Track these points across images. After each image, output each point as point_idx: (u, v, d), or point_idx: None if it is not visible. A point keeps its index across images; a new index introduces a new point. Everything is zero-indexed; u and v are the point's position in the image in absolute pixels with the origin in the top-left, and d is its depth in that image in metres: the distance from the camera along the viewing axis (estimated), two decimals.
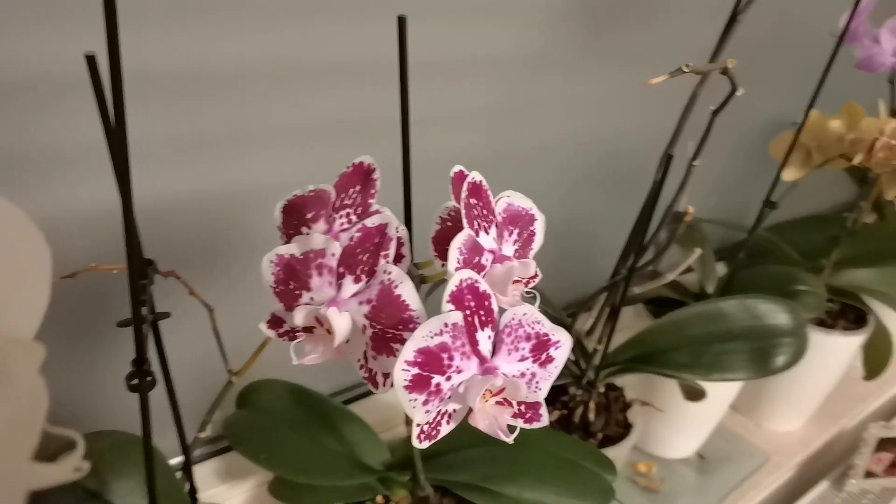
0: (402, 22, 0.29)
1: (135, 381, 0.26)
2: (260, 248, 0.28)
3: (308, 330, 0.24)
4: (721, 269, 0.68)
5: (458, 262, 0.24)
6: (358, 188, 0.28)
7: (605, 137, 0.65)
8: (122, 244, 0.27)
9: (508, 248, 0.27)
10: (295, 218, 0.27)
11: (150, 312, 0.30)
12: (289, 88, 0.42)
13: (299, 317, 0.23)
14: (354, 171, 0.28)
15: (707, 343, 0.53)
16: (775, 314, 0.53)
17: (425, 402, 0.22)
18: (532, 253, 0.28)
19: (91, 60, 0.22)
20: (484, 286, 0.23)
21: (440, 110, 0.51)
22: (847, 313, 0.74)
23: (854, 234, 0.73)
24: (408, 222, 0.32)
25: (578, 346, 0.52)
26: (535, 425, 0.24)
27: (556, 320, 0.51)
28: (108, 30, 0.21)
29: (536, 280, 0.27)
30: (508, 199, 0.27)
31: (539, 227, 0.28)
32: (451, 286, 0.23)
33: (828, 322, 0.72)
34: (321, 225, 0.27)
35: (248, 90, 0.41)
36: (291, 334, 0.25)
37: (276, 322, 0.25)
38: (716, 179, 0.82)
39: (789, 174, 0.56)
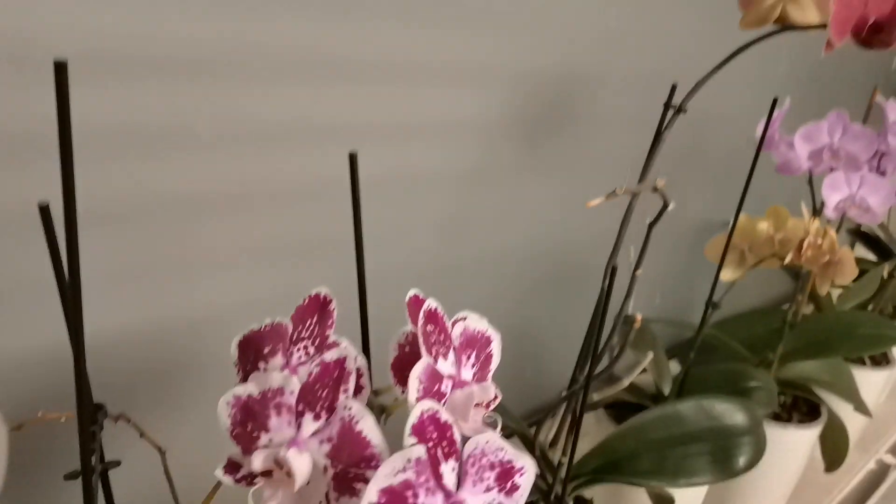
0: (353, 158, 0.30)
1: None
2: (212, 378, 0.27)
3: (267, 474, 0.23)
4: (674, 367, 0.69)
5: (419, 392, 0.24)
6: (315, 319, 0.28)
7: (552, 246, 0.67)
8: (65, 386, 0.26)
9: (467, 373, 0.27)
10: (251, 353, 0.27)
11: (100, 461, 0.28)
12: (241, 212, 0.43)
13: (258, 461, 0.22)
14: (311, 303, 0.28)
15: (669, 447, 0.53)
16: (732, 414, 0.54)
17: None
18: (490, 374, 0.29)
19: (45, 211, 0.23)
20: (445, 416, 0.23)
21: (389, 225, 0.52)
22: (800, 405, 0.75)
23: (794, 327, 0.76)
24: (365, 349, 0.32)
25: (543, 460, 0.51)
26: None
27: (518, 434, 0.51)
28: (64, 179, 0.22)
29: (497, 402, 0.27)
30: (465, 323, 0.28)
31: (496, 347, 0.29)
32: (413, 418, 0.22)
33: (783, 416, 0.73)
34: (278, 359, 0.27)
35: (200, 216, 0.41)
36: (249, 479, 0.24)
37: (232, 467, 0.24)
38: (659, 279, 0.84)
39: (727, 274, 0.58)
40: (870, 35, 0.44)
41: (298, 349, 0.27)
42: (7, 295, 0.35)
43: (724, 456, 0.52)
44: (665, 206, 0.39)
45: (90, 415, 0.29)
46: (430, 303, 0.26)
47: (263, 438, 0.23)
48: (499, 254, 0.64)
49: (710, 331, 0.78)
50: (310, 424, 0.23)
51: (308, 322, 0.27)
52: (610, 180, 0.48)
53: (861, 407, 0.74)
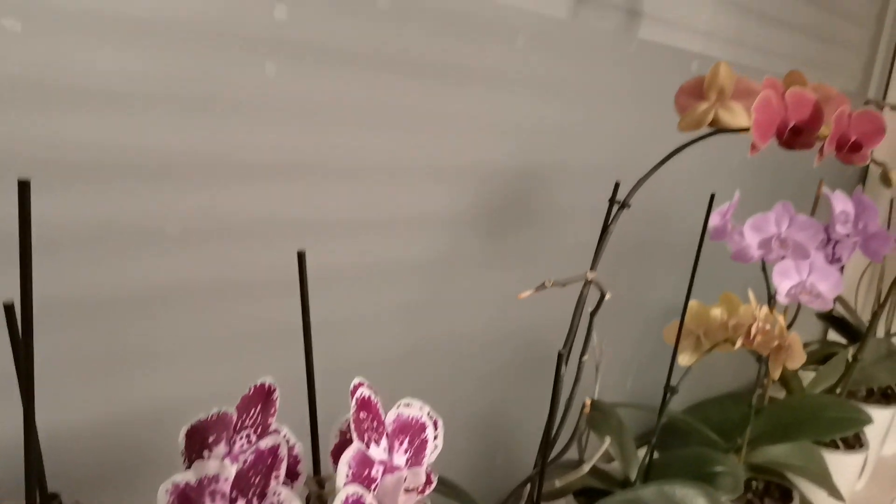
0: (301, 256, 0.33)
1: None
2: (172, 469, 0.29)
3: None
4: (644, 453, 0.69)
5: (347, 477, 0.25)
6: (259, 408, 0.29)
7: (517, 332, 0.69)
8: (17, 476, 0.28)
9: (399, 458, 0.28)
10: (197, 442, 0.29)
11: None
12: (196, 307, 0.45)
13: None
14: (255, 393, 0.30)
15: None
16: (693, 499, 0.55)
17: None
18: (426, 459, 0.30)
19: (9, 310, 0.25)
20: (370, 500, 0.24)
21: (351, 314, 0.54)
22: (772, 491, 0.76)
23: (762, 412, 0.77)
24: (314, 438, 0.33)
25: None
26: None
27: None
28: (23, 283, 0.24)
29: (432, 486, 0.29)
30: (398, 410, 0.29)
31: (431, 433, 0.30)
32: (338, 502, 0.24)
33: (755, 502, 0.73)
34: (222, 448, 0.28)
35: (164, 309, 0.43)
36: None
37: None
38: (629, 364, 0.86)
39: (684, 359, 0.60)
40: (791, 138, 0.48)
41: (241, 437, 0.29)
42: None
43: None
44: (603, 295, 0.41)
45: (43, 501, 0.30)
46: (364, 391, 0.28)
47: None
48: (465, 340, 0.66)
49: (682, 416, 0.79)
50: None
51: (252, 411, 0.29)
52: (568, 269, 0.51)
53: (834, 492, 0.74)
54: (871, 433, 0.96)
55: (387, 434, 0.28)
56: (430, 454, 0.32)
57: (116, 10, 0.37)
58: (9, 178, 0.35)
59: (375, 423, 0.28)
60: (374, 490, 0.27)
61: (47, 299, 0.38)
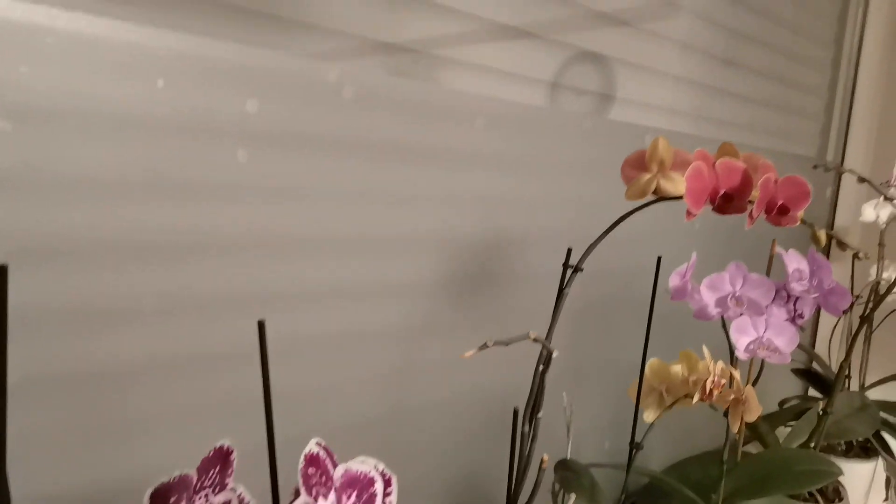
0: (261, 326, 0.36)
1: None
2: None
3: None
4: None
5: None
6: (217, 469, 0.32)
7: (488, 394, 0.72)
8: None
9: None
10: (161, 503, 0.31)
11: None
12: (170, 379, 0.48)
13: None
14: (215, 454, 0.32)
15: None
16: None
17: None
18: None
19: None
20: None
21: (319, 383, 0.57)
22: None
23: (737, 467, 0.78)
24: (275, 497, 0.36)
25: None
26: None
27: None
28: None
29: None
30: (346, 465, 0.32)
31: (380, 488, 0.33)
32: None
33: None
34: None
35: (131, 384, 0.46)
36: None
37: None
38: (606, 425, 0.88)
39: (648, 416, 0.63)
40: (722, 204, 0.52)
41: (200, 497, 0.31)
42: None
43: None
44: (549, 353, 0.44)
45: None
46: (312, 447, 0.30)
47: None
48: (442, 402, 0.68)
49: (660, 475, 0.81)
50: None
51: (211, 472, 0.32)
52: (532, 328, 0.54)
53: None
54: (853, 487, 0.97)
55: (335, 488, 0.31)
56: None
57: (101, 110, 0.42)
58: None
59: (324, 479, 0.30)
60: None
61: (26, 376, 0.41)
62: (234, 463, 0.32)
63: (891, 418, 1.04)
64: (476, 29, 0.69)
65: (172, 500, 0.31)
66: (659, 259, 0.58)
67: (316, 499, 0.29)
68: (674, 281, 0.74)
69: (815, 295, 0.81)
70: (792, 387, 1.22)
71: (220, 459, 0.32)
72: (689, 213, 0.52)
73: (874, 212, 1.08)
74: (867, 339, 1.07)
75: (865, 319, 0.83)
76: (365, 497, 0.32)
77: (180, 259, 0.47)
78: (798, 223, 0.53)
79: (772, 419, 1.03)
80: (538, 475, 0.47)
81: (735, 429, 0.61)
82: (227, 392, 0.51)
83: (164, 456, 0.48)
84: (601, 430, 0.87)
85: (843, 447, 1.02)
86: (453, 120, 0.62)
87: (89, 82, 0.41)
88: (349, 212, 0.56)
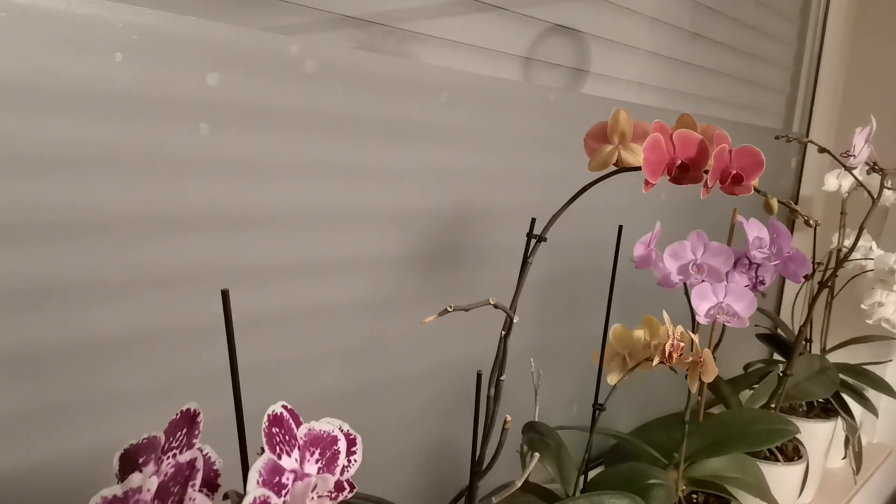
0: (225, 295, 0.37)
1: None
2: None
3: None
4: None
5: (258, 483, 0.29)
6: (184, 431, 0.33)
7: (457, 362, 0.73)
8: None
9: (310, 467, 0.32)
10: (129, 464, 0.32)
11: None
12: (138, 352, 0.48)
13: None
14: (182, 417, 0.33)
15: None
16: None
17: None
18: (338, 469, 0.34)
19: None
20: (276, 501, 0.28)
21: (291, 356, 0.58)
22: (712, 503, 0.79)
23: (698, 427, 0.81)
24: (244, 460, 0.37)
25: None
26: None
27: None
28: None
29: (345, 494, 0.33)
30: (309, 425, 0.33)
31: (343, 446, 0.34)
32: (246, 503, 0.28)
33: None
34: (151, 467, 0.32)
35: (98, 358, 0.47)
36: None
37: None
38: (575, 390, 0.90)
39: (612, 378, 0.65)
40: (679, 174, 0.54)
41: (168, 457, 0.32)
42: None
43: None
44: (510, 318, 0.46)
45: None
46: (275, 408, 0.32)
47: None
48: (411, 374, 0.69)
49: (626, 436, 0.83)
50: None
51: (178, 433, 0.33)
52: (500, 299, 0.56)
53: (770, 500, 0.78)
54: (813, 447, 1.01)
55: (298, 446, 0.32)
56: (351, 467, 0.36)
57: (57, 85, 0.42)
58: None
59: (287, 437, 0.32)
60: (286, 494, 0.30)
61: None
62: (201, 425, 0.33)
63: (850, 380, 1.08)
64: (442, 2, 0.70)
65: (141, 460, 0.32)
66: (620, 228, 0.60)
67: (279, 456, 0.31)
68: (638, 250, 0.76)
69: (776, 262, 0.84)
70: (757, 352, 1.25)
71: (188, 421, 0.33)
72: (647, 184, 0.53)
73: (836, 181, 1.11)
74: (828, 305, 1.10)
75: (823, 285, 0.86)
76: (328, 454, 0.33)
77: (144, 233, 0.47)
78: (752, 192, 0.55)
79: (735, 382, 1.07)
80: (501, 435, 0.48)
81: (694, 389, 0.63)
82: (194, 365, 0.52)
83: (135, 427, 0.48)
84: (570, 396, 0.89)
85: (805, 408, 1.06)
86: (418, 94, 0.63)
87: (45, 57, 0.41)
88: (313, 185, 0.57)
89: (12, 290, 0.42)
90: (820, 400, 1.08)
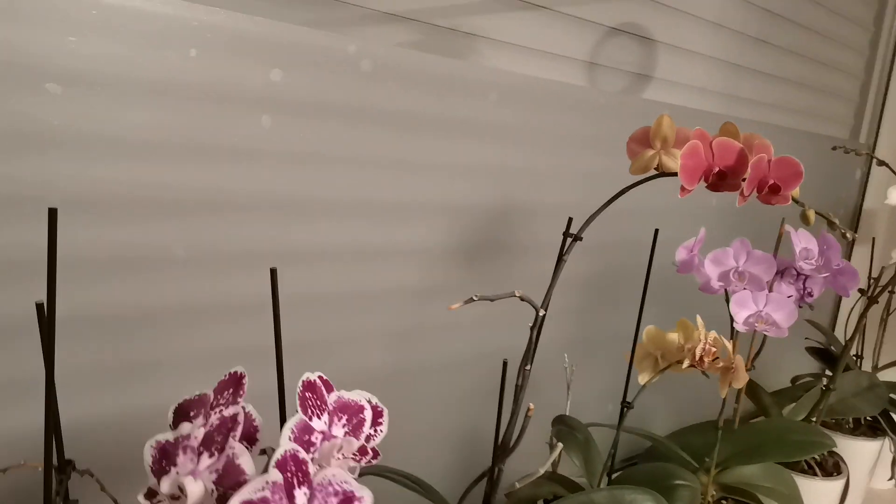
0: (273, 273, 0.41)
1: None
2: None
3: (174, 497, 0.32)
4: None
5: (290, 439, 0.33)
6: (231, 390, 0.37)
7: (495, 350, 0.76)
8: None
9: (338, 430, 0.36)
10: (182, 416, 0.37)
11: (64, 499, 0.37)
12: (198, 323, 0.53)
13: (165, 485, 0.31)
14: (230, 378, 0.37)
15: None
16: (641, 502, 0.60)
17: None
18: (363, 435, 0.37)
19: (40, 307, 0.33)
20: (303, 455, 0.32)
21: (336, 336, 0.62)
22: None
23: (734, 434, 0.82)
24: (282, 417, 0.41)
25: None
26: None
27: None
28: (49, 296, 0.32)
29: (368, 458, 0.36)
30: (339, 393, 0.37)
31: (368, 414, 0.38)
32: (278, 455, 0.31)
33: None
34: (200, 420, 0.36)
35: (163, 325, 0.52)
36: (162, 502, 0.32)
37: (150, 494, 0.33)
38: (609, 390, 0.91)
39: (642, 378, 0.66)
40: (717, 182, 0.55)
41: (216, 412, 0.36)
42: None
43: None
44: (537, 311, 0.48)
45: (61, 466, 0.38)
46: (310, 376, 0.35)
47: (172, 471, 0.32)
48: (450, 362, 0.73)
49: (659, 438, 0.84)
50: (205, 461, 0.32)
51: (225, 392, 0.37)
52: (537, 296, 0.58)
53: None
54: (856, 465, 0.99)
55: (328, 411, 0.36)
56: (377, 437, 0.39)
57: (139, 76, 0.46)
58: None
59: (319, 402, 0.35)
60: (314, 452, 0.34)
61: (73, 315, 0.47)
62: (245, 386, 0.37)
63: None
64: (499, 3, 0.72)
65: (192, 413, 0.36)
66: (656, 232, 0.61)
67: (311, 419, 0.34)
68: (681, 255, 0.77)
69: (825, 274, 0.83)
70: (807, 365, 1.23)
71: (234, 382, 0.37)
72: (683, 189, 0.54)
73: None
74: (883, 322, 1.07)
75: (872, 300, 0.84)
76: (355, 421, 0.37)
77: (209, 214, 0.52)
78: (790, 202, 0.55)
79: (781, 395, 1.06)
80: (524, 422, 0.51)
81: (723, 394, 0.64)
82: (247, 337, 0.56)
83: (191, 387, 0.53)
84: (605, 394, 0.91)
85: (851, 425, 1.04)
86: (467, 92, 0.66)
87: (128, 51, 0.46)
88: (364, 177, 0.60)
89: (92, 258, 0.47)
90: (868, 418, 1.06)
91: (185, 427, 0.33)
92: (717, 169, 0.55)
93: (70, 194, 0.46)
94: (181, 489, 0.31)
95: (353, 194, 0.60)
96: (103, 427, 0.50)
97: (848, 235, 0.54)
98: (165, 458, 0.33)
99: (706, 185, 0.56)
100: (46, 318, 0.32)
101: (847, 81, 1.24)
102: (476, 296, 0.42)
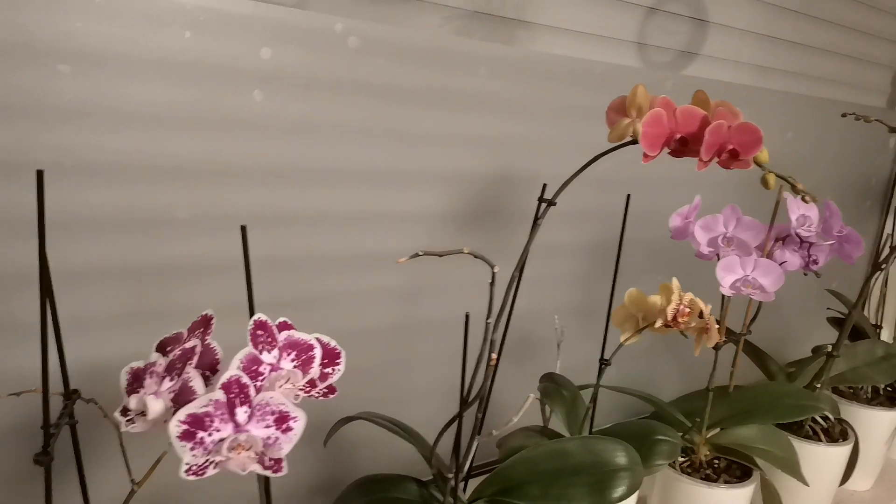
0: (243, 230, 0.47)
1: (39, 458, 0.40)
2: None
3: (142, 413, 0.38)
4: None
5: (238, 367, 0.39)
6: (202, 330, 0.43)
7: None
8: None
9: (286, 364, 0.41)
10: (161, 349, 0.43)
11: (69, 418, 0.44)
12: (202, 279, 0.60)
13: (133, 402, 0.38)
14: (201, 320, 0.44)
15: (556, 477, 0.63)
16: (612, 451, 0.64)
17: (192, 449, 0.35)
18: (318, 372, 0.43)
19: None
20: (246, 380, 0.37)
21: (352, 295, 0.68)
22: (734, 470, 0.82)
23: (729, 396, 0.84)
24: None
25: (439, 475, 0.63)
26: (278, 474, 0.37)
27: (420, 450, 0.62)
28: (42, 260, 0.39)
29: (320, 390, 0.42)
30: (290, 332, 0.42)
31: (318, 353, 0.43)
32: (224, 378, 0.37)
33: (712, 477, 0.80)
34: (176, 352, 0.42)
35: (167, 280, 0.58)
36: (132, 418, 0.39)
37: (124, 411, 0.39)
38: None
39: (623, 337, 0.69)
40: (679, 148, 0.57)
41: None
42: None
43: (602, 487, 0.62)
44: (492, 268, 0.52)
45: (67, 393, 0.45)
46: (261, 316, 0.41)
47: (141, 392, 0.39)
48: (446, 320, 0.78)
49: (654, 398, 0.87)
50: (167, 384, 0.38)
51: (197, 331, 0.43)
52: (531, 261, 0.62)
53: (797, 475, 0.80)
54: (872, 433, 0.99)
55: (278, 347, 0.41)
56: (333, 375, 0.45)
57: (138, 55, 0.53)
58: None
59: (269, 339, 0.41)
60: (262, 380, 0.40)
61: (86, 268, 0.54)
62: (213, 326, 0.43)
63: None
64: None
65: (169, 348, 0.42)
66: (628, 197, 0.64)
67: (261, 353, 0.40)
68: (675, 221, 0.79)
69: (831, 242, 0.83)
70: (831, 336, 1.22)
71: (204, 323, 0.43)
72: (645, 156, 0.57)
73: None
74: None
75: (876, 267, 0.84)
76: (304, 357, 0.42)
77: (208, 180, 0.58)
78: (750, 167, 0.57)
79: (799, 364, 1.06)
80: (486, 371, 0.56)
81: (696, 353, 0.67)
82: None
83: None
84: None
85: (869, 395, 1.03)
86: (457, 67, 0.69)
87: (130, 34, 0.52)
88: (355, 147, 0.65)
89: (102, 217, 0.54)
90: (887, 389, 1.05)
91: (154, 356, 0.39)
92: (678, 136, 0.57)
93: (79, 162, 0.52)
94: (145, 406, 0.38)
95: (344, 163, 0.65)
96: (112, 368, 0.57)
97: (807, 199, 0.55)
98: (136, 381, 0.39)
99: (669, 151, 0.58)
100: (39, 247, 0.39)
101: (884, 49, 1.20)
102: (421, 251, 0.47)
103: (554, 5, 0.80)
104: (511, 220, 0.79)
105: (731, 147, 0.56)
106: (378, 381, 0.75)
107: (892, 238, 1.09)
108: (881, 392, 1.04)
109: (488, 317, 0.55)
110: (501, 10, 0.76)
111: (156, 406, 0.37)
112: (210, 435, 0.36)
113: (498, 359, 0.62)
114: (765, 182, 0.58)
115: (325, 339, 0.45)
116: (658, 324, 0.66)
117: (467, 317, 0.54)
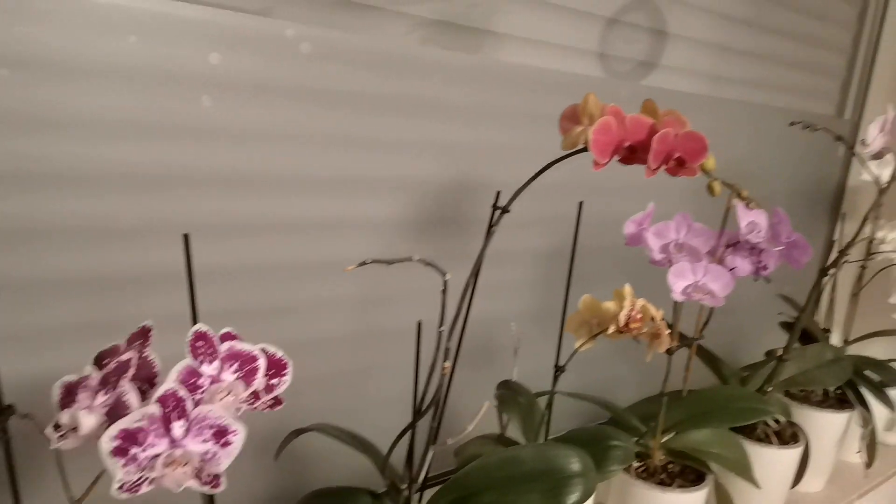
0: (186, 239, 0.46)
1: None
2: None
3: (74, 428, 0.37)
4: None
5: (174, 380, 0.38)
6: (140, 341, 0.42)
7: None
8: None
9: (228, 376, 0.40)
10: (98, 363, 0.42)
11: (2, 433, 0.43)
12: (154, 289, 0.58)
13: (64, 417, 0.36)
14: (139, 331, 0.42)
15: (511, 485, 0.63)
16: (565, 458, 0.64)
17: (125, 465, 0.34)
18: (262, 383, 0.42)
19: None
20: (183, 393, 0.37)
21: (307, 304, 0.67)
22: (688, 474, 0.83)
23: (683, 400, 0.85)
24: None
25: (391, 484, 0.62)
26: (216, 491, 0.36)
27: (373, 460, 0.62)
28: None
29: (266, 402, 0.41)
30: (233, 343, 0.41)
31: (262, 364, 0.42)
32: (160, 392, 0.36)
33: (665, 481, 0.81)
34: (112, 365, 0.41)
35: (115, 290, 0.57)
36: (64, 433, 0.38)
37: (56, 426, 0.38)
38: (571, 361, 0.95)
39: (578, 343, 0.70)
40: (628, 155, 0.58)
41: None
42: None
43: (556, 493, 0.62)
44: (444, 274, 0.52)
45: (1, 409, 0.44)
46: (201, 327, 0.40)
47: (73, 406, 0.37)
48: (403, 328, 0.77)
49: (610, 404, 0.88)
50: (101, 397, 0.37)
51: (134, 343, 0.42)
52: (489, 269, 0.62)
53: (748, 477, 0.81)
54: (822, 436, 1.01)
55: (220, 359, 0.40)
56: (280, 386, 0.44)
57: (81, 61, 0.51)
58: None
59: (210, 350, 0.40)
60: (202, 392, 0.39)
61: (24, 275, 0.52)
62: (151, 338, 0.42)
63: (871, 374, 1.06)
64: None
65: (105, 361, 0.41)
66: (580, 204, 0.64)
67: (200, 364, 0.39)
68: (629, 228, 0.80)
69: (780, 248, 0.85)
70: (783, 340, 1.24)
71: (142, 334, 0.42)
72: (595, 163, 0.57)
73: (876, 171, 1.08)
74: (855, 296, 1.09)
75: (823, 272, 0.86)
76: (247, 369, 0.41)
77: (150, 187, 0.57)
78: (696, 175, 0.58)
79: (753, 368, 1.08)
80: (441, 379, 0.55)
81: (648, 359, 0.67)
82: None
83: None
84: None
85: (819, 397, 1.06)
86: (411, 73, 0.69)
87: (72, 38, 0.51)
88: (307, 154, 0.65)
89: (43, 228, 0.52)
90: (838, 391, 1.07)
91: (87, 369, 0.38)
92: (627, 144, 0.58)
93: (16, 170, 0.51)
94: (78, 421, 0.36)
95: (297, 170, 0.64)
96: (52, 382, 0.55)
97: (751, 206, 0.56)
98: (69, 395, 0.38)
99: (619, 159, 0.58)
100: None
101: (834, 57, 1.24)
102: (369, 259, 0.46)
103: (519, 15, 0.81)
104: (469, 228, 0.79)
105: (677, 155, 0.57)
106: (334, 391, 0.74)
107: (840, 244, 1.12)
108: (831, 395, 1.07)
109: (440, 325, 0.55)
110: (467, 19, 0.76)
111: (88, 421, 0.36)
112: (144, 451, 0.35)
113: (453, 367, 0.62)
114: (710, 189, 0.59)
115: (272, 349, 0.44)
116: (611, 330, 0.66)
117: (419, 325, 0.54)
